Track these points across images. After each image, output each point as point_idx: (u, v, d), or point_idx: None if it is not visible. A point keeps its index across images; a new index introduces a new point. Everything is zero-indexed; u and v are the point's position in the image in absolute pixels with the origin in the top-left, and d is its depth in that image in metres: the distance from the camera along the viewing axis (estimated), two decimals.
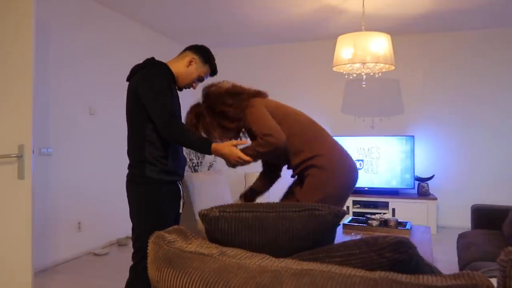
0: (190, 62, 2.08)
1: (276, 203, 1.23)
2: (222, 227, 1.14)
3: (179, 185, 2.10)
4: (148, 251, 1.05)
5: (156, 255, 0.98)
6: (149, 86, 1.93)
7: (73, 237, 3.91)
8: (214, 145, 1.95)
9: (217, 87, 2.19)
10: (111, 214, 4.43)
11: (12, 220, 2.09)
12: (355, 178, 2.08)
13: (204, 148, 1.94)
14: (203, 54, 2.11)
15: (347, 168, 2.04)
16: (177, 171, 2.04)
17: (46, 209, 3.61)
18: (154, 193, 1.98)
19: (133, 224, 2.03)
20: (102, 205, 4.30)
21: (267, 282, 0.82)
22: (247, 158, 1.96)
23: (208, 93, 2.18)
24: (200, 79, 2.13)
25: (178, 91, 2.15)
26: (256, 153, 1.99)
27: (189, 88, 2.15)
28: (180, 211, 2.13)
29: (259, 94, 2.26)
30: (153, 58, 2.08)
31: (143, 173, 1.97)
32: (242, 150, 1.99)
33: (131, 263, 3.74)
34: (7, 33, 2.09)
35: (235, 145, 1.97)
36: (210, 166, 5.96)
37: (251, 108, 2.10)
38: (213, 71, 2.18)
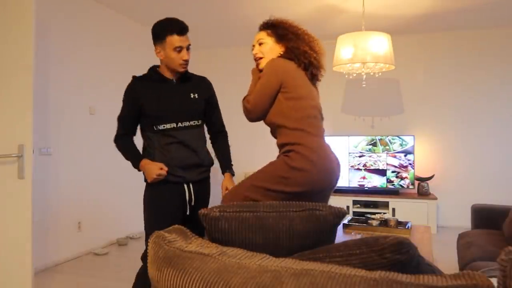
0: (157, 53, 2.06)
1: (277, 203, 1.23)
2: (222, 227, 1.14)
3: (186, 186, 2.10)
4: (148, 250, 1.05)
5: (156, 254, 0.98)
6: None
7: (73, 237, 3.91)
8: (142, 162, 2.06)
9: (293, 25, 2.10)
10: (111, 214, 4.43)
11: (12, 220, 2.09)
12: (328, 180, 1.89)
13: (134, 163, 2.10)
14: (156, 35, 2.03)
15: (323, 166, 1.86)
16: (170, 172, 2.04)
17: (46, 209, 3.61)
18: (149, 193, 2.10)
19: None
20: (102, 205, 4.30)
21: (267, 282, 0.82)
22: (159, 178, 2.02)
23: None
24: (179, 49, 1.99)
25: (182, 82, 2.13)
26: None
27: (186, 64, 2.05)
28: (187, 213, 2.12)
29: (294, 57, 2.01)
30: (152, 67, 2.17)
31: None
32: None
33: (131, 263, 3.76)
34: (7, 33, 2.09)
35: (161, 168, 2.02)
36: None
37: (267, 67, 1.96)
38: (175, 32, 1.99)
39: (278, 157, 1.98)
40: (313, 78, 2.09)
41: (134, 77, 2.13)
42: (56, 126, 3.72)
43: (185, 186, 2.10)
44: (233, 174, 2.26)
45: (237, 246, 1.12)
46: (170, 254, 0.96)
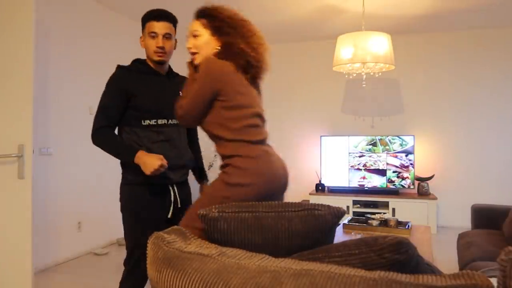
0: (141, 42, 2.06)
1: (276, 203, 1.23)
2: (221, 227, 1.14)
3: (171, 188, 2.01)
4: (147, 251, 1.05)
5: (156, 255, 0.98)
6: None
7: (73, 237, 3.91)
8: (139, 153, 1.88)
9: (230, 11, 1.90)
10: (111, 214, 4.43)
11: (12, 220, 2.09)
12: (274, 185, 1.74)
13: (128, 156, 1.91)
14: (141, 25, 2.06)
15: (267, 173, 1.72)
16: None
17: (46, 209, 3.61)
18: (127, 195, 2.00)
19: None
20: (102, 205, 4.30)
21: (266, 283, 0.81)
22: (160, 170, 1.87)
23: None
24: (153, 35, 1.96)
25: (171, 75, 2.08)
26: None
27: (161, 52, 1.97)
28: (169, 215, 2.02)
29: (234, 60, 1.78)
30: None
31: (123, 174, 2.04)
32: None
33: None
34: (7, 34, 2.09)
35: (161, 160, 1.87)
36: (210, 166, 5.95)
37: (202, 71, 1.74)
38: (152, 18, 1.98)
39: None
40: (254, 79, 1.87)
41: (119, 66, 2.04)
42: (56, 126, 3.72)
43: (170, 188, 2.01)
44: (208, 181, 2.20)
45: (236, 246, 1.12)
46: (169, 255, 0.96)
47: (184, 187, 2.12)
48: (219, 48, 1.78)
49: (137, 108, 1.96)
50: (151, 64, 2.04)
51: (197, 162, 2.26)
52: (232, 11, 1.87)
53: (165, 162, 1.87)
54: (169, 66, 2.14)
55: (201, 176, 2.25)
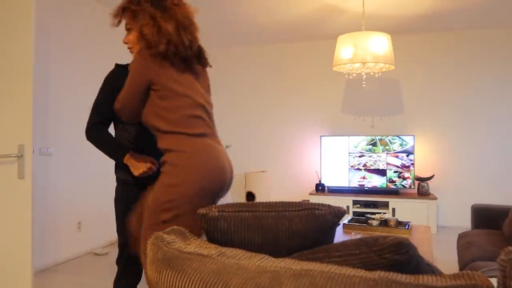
0: None
1: (275, 202, 1.23)
2: (221, 227, 1.14)
3: None
4: (147, 252, 1.04)
5: (155, 256, 0.98)
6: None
7: (73, 237, 3.91)
8: (129, 154, 1.86)
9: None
10: (111, 214, 4.43)
11: (12, 220, 2.09)
12: (217, 181, 1.67)
13: (119, 154, 1.89)
14: None
15: (207, 168, 1.64)
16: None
17: (46, 209, 3.61)
18: (120, 194, 2.05)
19: None
20: (102, 205, 4.30)
21: (266, 283, 0.81)
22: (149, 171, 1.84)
23: None
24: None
25: None
26: None
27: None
28: None
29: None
30: None
31: (116, 173, 2.09)
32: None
33: None
34: (7, 33, 2.09)
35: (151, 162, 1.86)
36: None
37: (132, 63, 1.70)
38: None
39: None
40: (189, 65, 1.73)
41: (117, 65, 2.05)
42: (56, 126, 3.72)
43: None
44: None
45: (236, 246, 1.12)
46: (169, 256, 0.96)
47: None
48: (146, 36, 1.67)
49: None
50: None
51: None
52: None
53: (154, 165, 1.86)
54: None
55: None
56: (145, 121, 1.73)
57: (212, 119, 1.81)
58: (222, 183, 1.69)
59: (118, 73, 2.00)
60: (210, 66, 1.90)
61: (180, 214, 1.62)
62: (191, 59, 1.74)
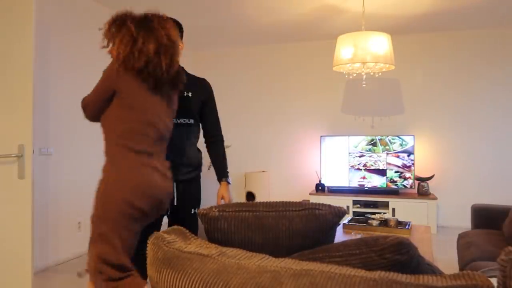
0: None
1: (276, 202, 1.23)
2: (221, 227, 1.14)
3: None
4: (147, 252, 1.05)
5: (155, 256, 0.98)
6: None
7: (73, 237, 3.91)
8: None
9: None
10: None
11: (12, 220, 2.09)
12: (144, 196, 1.70)
13: None
14: None
15: (129, 186, 1.68)
16: None
17: (46, 209, 3.60)
18: None
19: None
20: None
21: (266, 283, 0.81)
22: None
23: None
24: None
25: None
26: None
27: None
28: (167, 213, 2.09)
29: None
30: None
31: None
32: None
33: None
34: (7, 33, 2.09)
35: None
36: (210, 166, 5.96)
37: (105, 70, 1.78)
38: None
39: None
40: (160, 87, 1.77)
41: None
42: (56, 126, 3.72)
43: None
44: (229, 183, 2.21)
45: (237, 245, 1.12)
46: (169, 255, 0.96)
47: (188, 185, 2.13)
48: (121, 55, 1.72)
49: None
50: None
51: (214, 167, 2.27)
52: (142, 15, 1.82)
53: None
54: None
55: (219, 175, 2.25)
56: (101, 123, 1.81)
57: (165, 141, 1.84)
58: (152, 200, 1.73)
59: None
60: (180, 91, 1.96)
61: (105, 231, 1.81)
62: (164, 83, 1.77)
